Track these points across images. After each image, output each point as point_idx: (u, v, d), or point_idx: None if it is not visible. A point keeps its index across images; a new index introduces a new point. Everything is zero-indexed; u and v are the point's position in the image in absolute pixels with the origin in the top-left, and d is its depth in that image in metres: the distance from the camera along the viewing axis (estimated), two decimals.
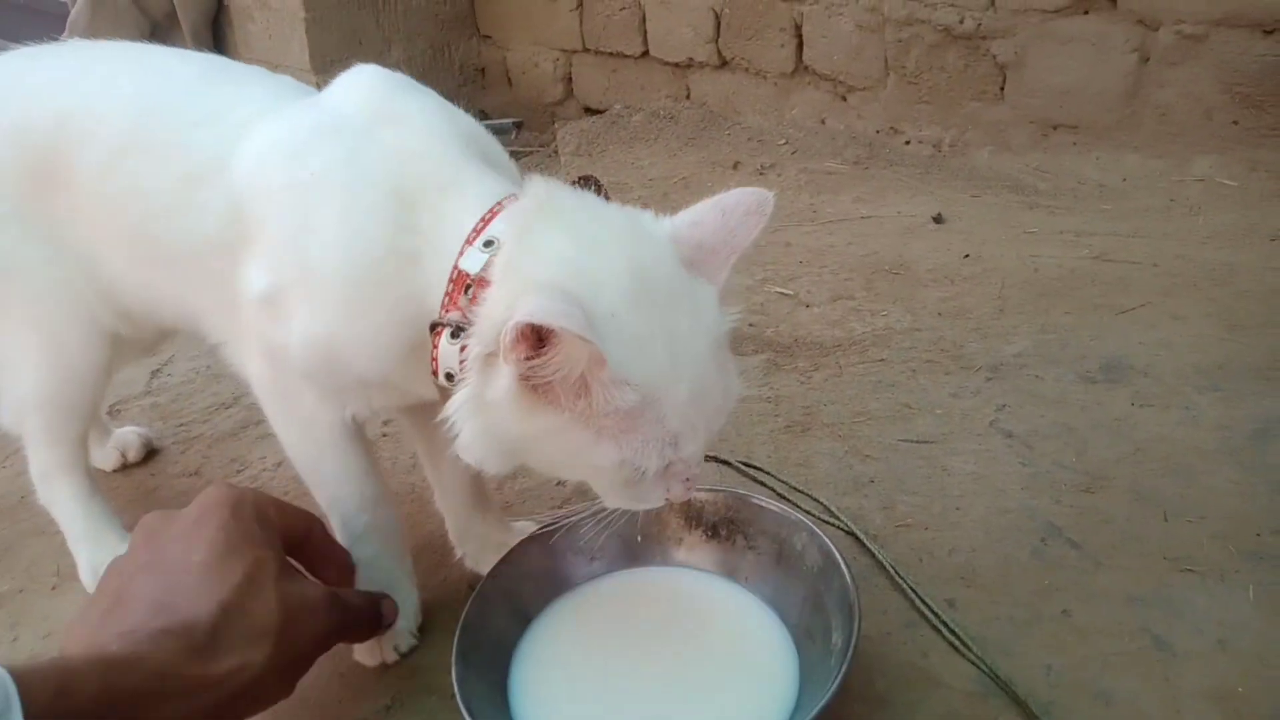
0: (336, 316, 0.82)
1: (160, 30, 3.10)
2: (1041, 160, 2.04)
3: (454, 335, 0.77)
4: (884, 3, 2.15)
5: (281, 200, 0.84)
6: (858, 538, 1.07)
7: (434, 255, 0.79)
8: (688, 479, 0.78)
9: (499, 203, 0.80)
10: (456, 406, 0.75)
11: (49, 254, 0.99)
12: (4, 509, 1.31)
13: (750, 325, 1.61)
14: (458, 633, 0.87)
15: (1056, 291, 1.59)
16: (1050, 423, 1.25)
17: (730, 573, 0.97)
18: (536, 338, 0.67)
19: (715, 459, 1.24)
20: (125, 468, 1.39)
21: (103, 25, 3.06)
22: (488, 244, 0.77)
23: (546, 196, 0.78)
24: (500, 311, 0.71)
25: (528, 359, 0.68)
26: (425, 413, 1.01)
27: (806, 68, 2.38)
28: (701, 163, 2.39)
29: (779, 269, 1.80)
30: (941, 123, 2.19)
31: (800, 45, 2.36)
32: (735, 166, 2.36)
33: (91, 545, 1.13)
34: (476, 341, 0.73)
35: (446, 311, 0.78)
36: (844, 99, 2.35)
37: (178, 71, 0.99)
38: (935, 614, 0.95)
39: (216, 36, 3.10)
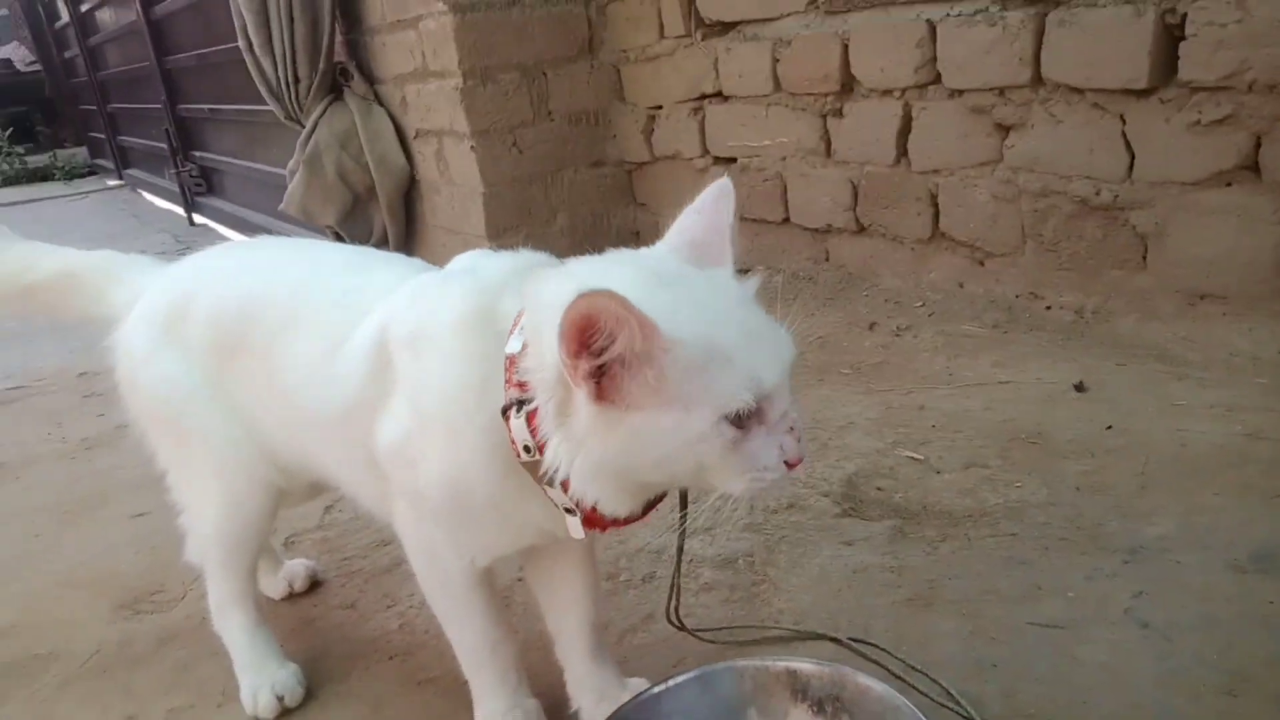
0: (447, 448, 0.93)
1: (361, 201, 3.53)
2: (1190, 330, 1.98)
3: (519, 411, 0.85)
4: (1018, 175, 2.20)
5: (399, 359, 0.98)
6: None
7: (497, 373, 0.89)
8: (792, 428, 0.82)
9: None
10: (554, 456, 0.83)
11: (228, 417, 1.19)
12: (189, 629, 1.48)
13: (878, 489, 1.62)
14: None
15: (1205, 470, 1.52)
16: (1191, 614, 1.19)
17: None
18: (585, 339, 0.75)
19: (827, 637, 1.25)
20: (291, 597, 1.56)
21: (314, 196, 3.52)
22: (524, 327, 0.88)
23: (543, 267, 0.91)
24: (548, 357, 0.80)
25: (591, 351, 0.75)
26: (544, 560, 1.11)
27: (943, 234, 2.43)
28: (839, 323, 2.46)
29: (911, 432, 1.80)
30: (1083, 289, 2.17)
31: (937, 213, 2.42)
32: (872, 327, 2.40)
33: (253, 674, 1.28)
34: (540, 393, 0.83)
35: (506, 393, 0.87)
36: (982, 264, 2.38)
37: (327, 261, 1.21)
38: None
39: (408, 207, 3.50)
